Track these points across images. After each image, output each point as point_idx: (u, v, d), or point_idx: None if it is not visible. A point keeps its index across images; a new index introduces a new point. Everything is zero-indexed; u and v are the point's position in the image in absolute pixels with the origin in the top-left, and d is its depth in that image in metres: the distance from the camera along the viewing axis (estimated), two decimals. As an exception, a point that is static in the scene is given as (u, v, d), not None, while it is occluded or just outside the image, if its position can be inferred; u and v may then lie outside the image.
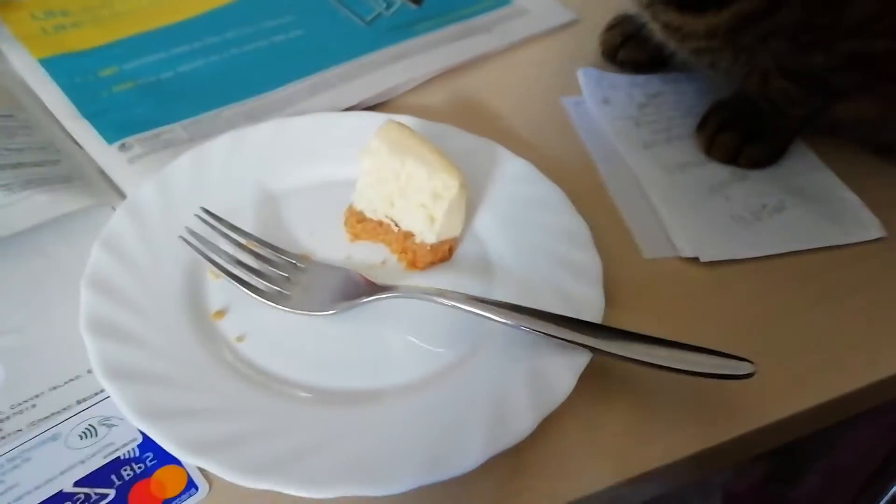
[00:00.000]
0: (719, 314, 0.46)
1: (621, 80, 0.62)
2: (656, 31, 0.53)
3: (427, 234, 0.43)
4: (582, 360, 0.39)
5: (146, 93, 0.54)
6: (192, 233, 0.42)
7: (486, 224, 0.47)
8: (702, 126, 0.57)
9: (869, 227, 0.52)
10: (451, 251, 0.45)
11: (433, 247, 0.44)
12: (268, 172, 0.48)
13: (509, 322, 0.39)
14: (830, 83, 0.51)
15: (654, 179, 0.54)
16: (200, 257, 0.42)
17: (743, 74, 0.55)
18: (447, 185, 0.42)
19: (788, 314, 0.46)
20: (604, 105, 0.59)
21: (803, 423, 0.42)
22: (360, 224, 0.45)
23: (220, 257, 0.42)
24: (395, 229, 0.45)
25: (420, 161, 0.42)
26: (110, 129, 0.51)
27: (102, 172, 0.49)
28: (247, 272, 0.42)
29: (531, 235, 0.46)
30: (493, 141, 0.52)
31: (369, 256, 0.45)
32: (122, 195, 0.47)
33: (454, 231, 0.44)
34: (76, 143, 0.50)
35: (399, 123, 0.44)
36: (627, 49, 0.63)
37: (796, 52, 0.50)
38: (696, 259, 0.48)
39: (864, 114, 0.55)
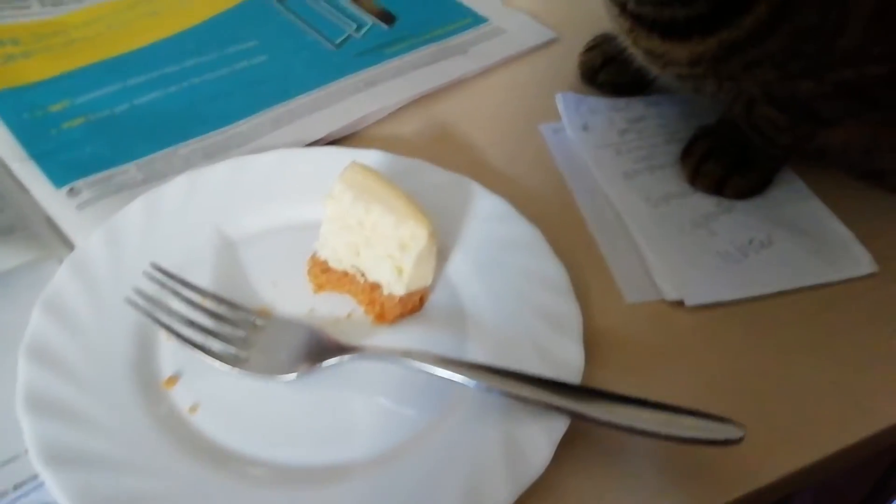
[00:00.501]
0: (706, 364, 0.43)
1: (601, 103, 0.60)
2: (638, 56, 0.51)
3: (395, 286, 0.41)
4: (560, 425, 0.36)
5: (99, 129, 0.51)
6: (142, 293, 0.39)
7: (460, 269, 0.45)
8: (686, 154, 0.54)
9: (860, 261, 0.49)
10: (421, 301, 0.43)
11: (402, 299, 0.41)
12: (226, 217, 0.45)
13: (482, 386, 0.36)
14: (819, 111, 0.49)
15: (637, 213, 0.51)
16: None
17: (728, 101, 0.53)
18: (415, 235, 0.39)
19: (779, 362, 0.44)
20: (583, 132, 0.57)
21: (796, 482, 0.40)
22: (324, 274, 0.43)
23: (172, 319, 0.39)
24: (362, 280, 0.42)
25: (386, 208, 0.40)
26: (59, 172, 0.47)
27: (50, 220, 0.45)
28: (201, 333, 0.39)
29: (507, 282, 0.43)
30: (467, 176, 0.49)
31: (334, 309, 0.42)
32: (70, 246, 0.44)
33: (424, 281, 0.42)
34: (23, 187, 0.47)
35: (364, 166, 0.41)
36: (608, 71, 0.60)
37: (784, 80, 0.47)
38: (681, 302, 0.46)
39: (853, 140, 0.52)
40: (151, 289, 0.40)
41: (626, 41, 0.50)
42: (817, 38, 0.43)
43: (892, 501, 0.71)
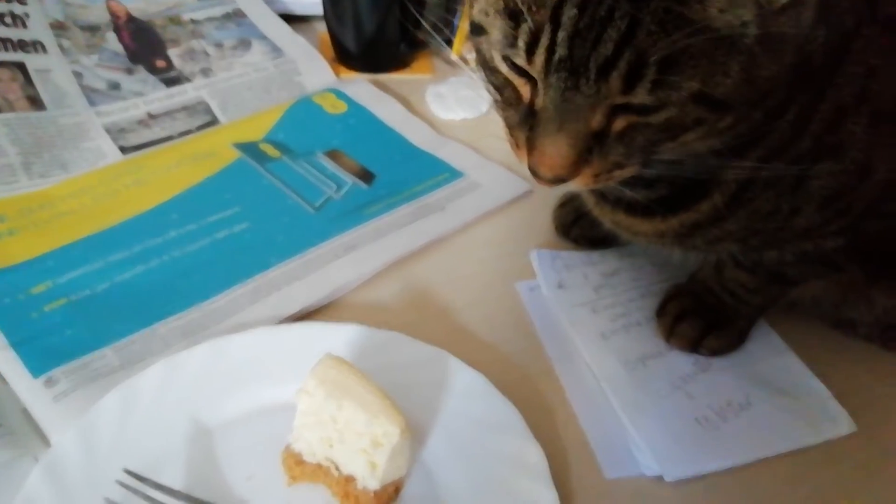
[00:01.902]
0: (689, 546, 0.42)
1: (576, 258, 0.61)
2: (606, 224, 0.52)
3: (369, 480, 0.40)
4: None
5: (79, 310, 0.51)
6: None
7: (436, 452, 0.44)
8: (661, 313, 0.55)
9: (839, 421, 0.50)
10: (396, 491, 0.42)
11: (377, 492, 0.41)
12: (202, 404, 0.45)
13: None
14: (785, 274, 0.50)
15: (615, 378, 0.51)
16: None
17: (698, 262, 0.54)
18: (387, 432, 0.39)
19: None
20: (559, 290, 0.58)
21: None
22: (298, 466, 0.42)
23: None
24: (336, 473, 0.42)
25: (359, 405, 0.40)
26: (37, 360, 0.48)
27: (26, 412, 0.45)
28: (173, 541, 0.38)
29: (484, 467, 0.43)
30: (444, 348, 0.50)
31: (309, 502, 0.42)
32: (46, 441, 0.44)
33: (398, 473, 0.42)
34: (0, 377, 0.47)
35: (337, 359, 0.42)
36: (581, 226, 0.62)
37: (747, 251, 0.48)
38: (661, 476, 0.45)
39: (821, 295, 0.54)
40: (124, 496, 0.40)
41: (593, 211, 0.52)
42: (773, 221, 0.45)
43: None
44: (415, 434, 0.44)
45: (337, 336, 0.49)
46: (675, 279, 0.58)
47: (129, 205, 0.61)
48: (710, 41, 0.33)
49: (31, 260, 0.55)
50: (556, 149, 0.37)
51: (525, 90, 0.38)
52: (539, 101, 0.37)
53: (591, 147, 0.37)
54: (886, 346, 0.55)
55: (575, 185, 0.39)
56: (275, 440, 0.44)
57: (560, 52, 0.34)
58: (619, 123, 0.36)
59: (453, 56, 0.81)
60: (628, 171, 0.39)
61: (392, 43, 0.79)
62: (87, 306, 0.52)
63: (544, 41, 0.34)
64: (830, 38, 0.39)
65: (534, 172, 0.38)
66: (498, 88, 0.39)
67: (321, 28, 0.83)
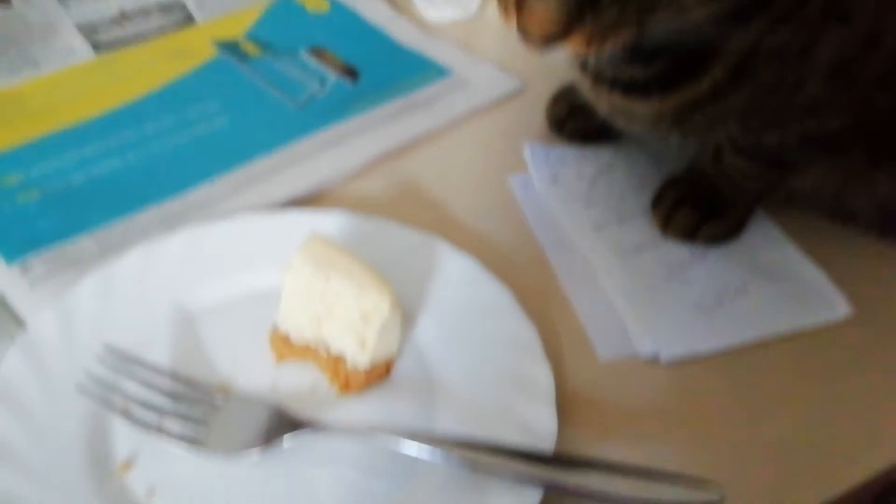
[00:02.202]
0: (684, 422, 0.42)
1: (569, 153, 0.59)
2: (602, 110, 0.50)
3: (359, 358, 0.39)
4: (534, 496, 0.35)
5: (54, 202, 0.49)
6: (94, 377, 0.38)
7: (427, 334, 0.43)
8: (656, 203, 0.54)
9: (836, 305, 0.49)
10: (388, 369, 0.41)
11: (367, 370, 0.40)
12: (184, 289, 0.44)
13: (450, 460, 0.35)
14: (786, 159, 0.49)
15: (609, 266, 0.50)
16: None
17: (695, 150, 0.53)
18: (377, 305, 0.38)
19: (758, 415, 0.42)
20: (552, 184, 0.56)
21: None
22: (286, 346, 0.41)
23: (126, 401, 0.37)
24: (325, 351, 0.41)
25: (347, 279, 0.38)
26: (12, 247, 0.46)
27: (1, 298, 0.44)
28: (157, 414, 0.37)
29: (476, 346, 0.42)
30: (435, 236, 0.48)
31: (297, 381, 0.41)
32: (22, 325, 0.42)
33: (389, 350, 0.41)
34: (-27, 265, 0.45)
35: (323, 238, 0.40)
36: (575, 121, 0.60)
37: (747, 133, 0.47)
38: (656, 357, 0.45)
39: (822, 184, 0.52)
40: (105, 371, 0.38)
41: (588, 95, 0.50)
42: (777, 95, 0.43)
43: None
44: (406, 318, 0.43)
45: (323, 223, 0.48)
46: (671, 173, 0.56)
47: (103, 100, 0.58)
48: None
49: (1, 152, 0.53)
50: (546, 5, 0.35)
51: None
52: None
53: (582, 6, 0.35)
54: (885, 235, 0.54)
55: (567, 52, 0.37)
56: (261, 323, 0.42)
57: None
58: None
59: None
60: (623, 36, 0.37)
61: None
62: (63, 198, 0.50)
63: None
64: None
65: (523, 34, 0.37)
66: None
67: (302, -74, 0.79)
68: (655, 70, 0.44)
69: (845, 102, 0.44)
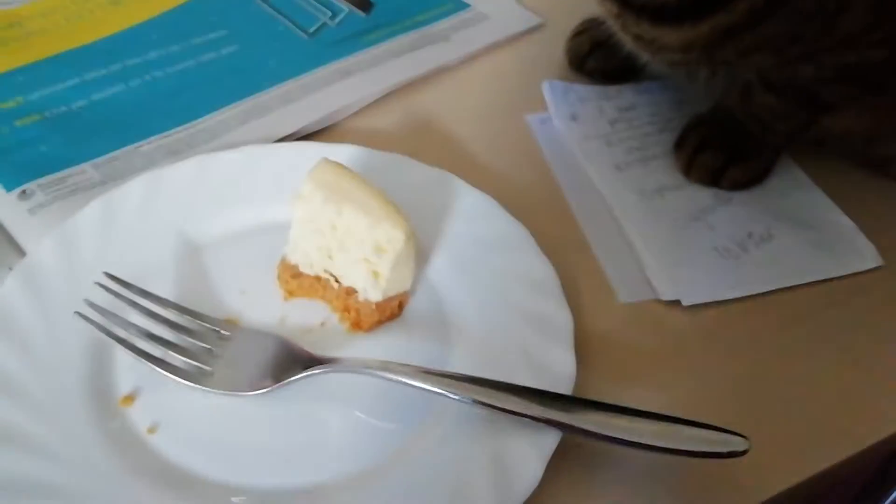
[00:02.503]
0: (705, 369, 0.41)
1: (590, 91, 0.57)
2: (627, 42, 0.48)
3: (371, 292, 0.38)
4: (551, 439, 0.34)
5: (54, 127, 0.47)
6: (94, 305, 0.36)
7: (442, 271, 0.42)
8: (680, 144, 0.52)
9: (865, 255, 0.47)
10: (400, 307, 0.40)
11: (379, 305, 0.38)
12: (190, 220, 0.42)
13: (465, 399, 0.33)
14: (819, 96, 0.46)
15: (630, 208, 0.48)
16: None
17: (723, 88, 0.50)
18: (392, 237, 0.36)
19: (782, 364, 0.41)
20: (572, 122, 0.54)
21: (804, 493, 0.37)
22: (294, 279, 0.40)
23: (128, 332, 0.36)
24: (336, 285, 0.39)
25: (360, 209, 0.37)
26: (10, 173, 0.44)
27: (0, 227, 0.42)
28: (160, 347, 0.36)
29: (492, 284, 0.40)
30: (449, 172, 0.46)
31: (306, 317, 0.39)
32: (21, 253, 0.41)
33: (403, 286, 0.39)
34: (-30, 190, 0.44)
35: (335, 163, 0.38)
36: (596, 58, 0.57)
37: (782, 65, 0.44)
38: (677, 302, 0.43)
39: (855, 128, 0.50)
40: (106, 300, 0.37)
41: (614, 26, 0.47)
42: (817, 21, 0.40)
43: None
44: (419, 254, 0.41)
45: (334, 155, 0.45)
46: (695, 113, 0.54)
47: (104, 24, 0.56)
48: None
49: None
50: None
51: None
52: None
53: None
54: (918, 184, 0.52)
55: None
56: (269, 255, 0.41)
57: None
58: None
59: None
60: None
61: None
62: (63, 123, 0.48)
63: None
64: None
65: None
66: None
67: None
68: None
69: (888, 33, 0.41)
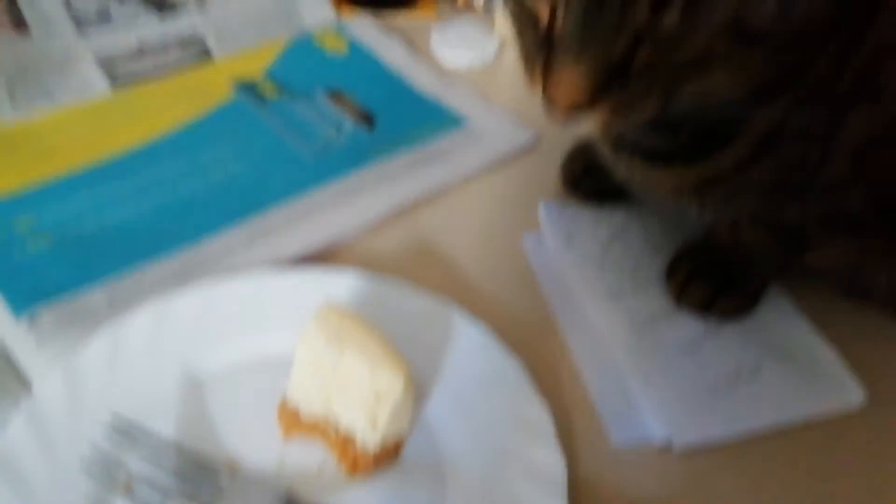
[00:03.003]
0: (697, 514, 0.41)
1: (584, 213, 0.58)
2: (620, 176, 0.50)
3: (369, 437, 0.39)
4: None
5: (65, 249, 0.49)
6: (99, 450, 0.37)
7: (439, 410, 0.43)
8: (671, 273, 0.53)
9: (851, 392, 0.48)
10: (397, 450, 0.40)
11: (376, 455, 0.39)
12: (194, 352, 0.43)
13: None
14: (804, 235, 0.48)
15: (623, 339, 0.49)
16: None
17: (713, 220, 0.52)
18: (391, 385, 0.37)
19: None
20: (566, 246, 0.56)
21: None
22: (294, 419, 0.41)
23: (130, 479, 0.36)
24: (334, 428, 0.40)
25: (360, 355, 0.38)
26: (20, 298, 0.45)
27: (7, 353, 0.43)
28: (161, 496, 0.36)
29: (488, 426, 0.41)
30: (447, 301, 0.48)
31: (305, 459, 0.40)
32: (28, 384, 0.42)
33: (400, 430, 0.40)
34: (-20, 315, 0.45)
35: (338, 307, 0.40)
36: (590, 180, 0.59)
37: (767, 208, 0.46)
38: (669, 443, 0.44)
39: (839, 261, 0.51)
40: (109, 445, 0.38)
41: (608, 160, 0.50)
42: (800, 172, 0.42)
43: None
44: (416, 388, 0.42)
45: (336, 282, 0.47)
46: (687, 237, 0.55)
47: (119, 140, 0.58)
48: None
49: (15, 193, 0.52)
50: (574, 75, 0.34)
51: (544, 13, 0.35)
52: (559, 24, 0.34)
53: (610, 78, 0.34)
54: (901, 315, 0.53)
55: (591, 121, 0.37)
56: (271, 392, 0.42)
57: None
58: (642, 55, 0.34)
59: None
60: (648, 109, 0.37)
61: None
62: (74, 244, 0.49)
63: None
64: None
65: (548, 103, 0.36)
66: (515, 13, 0.37)
67: (323, -39, 0.78)
68: (679, 141, 0.43)
69: (869, 183, 0.43)
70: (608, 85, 0.34)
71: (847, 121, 0.40)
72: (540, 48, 0.36)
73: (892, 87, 0.39)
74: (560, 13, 0.34)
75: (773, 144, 0.41)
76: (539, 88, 0.37)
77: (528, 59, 0.37)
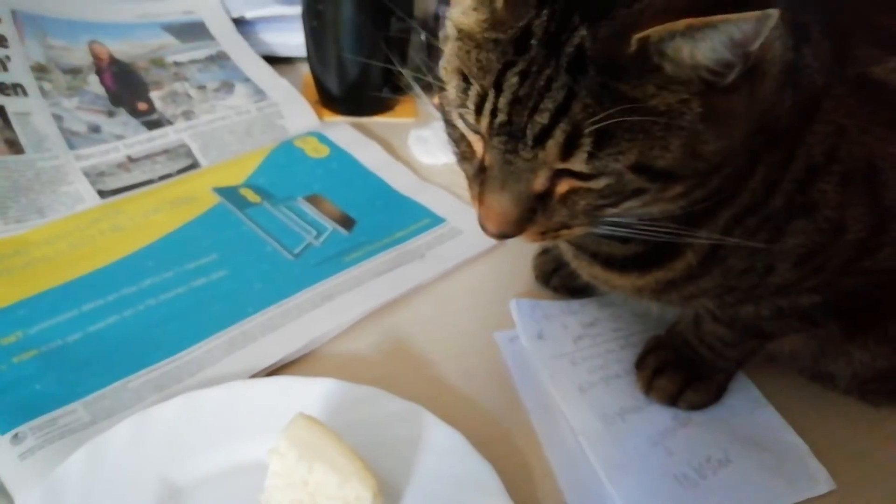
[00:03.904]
0: None
1: (555, 307, 0.61)
2: (584, 276, 0.52)
3: (341, 547, 0.40)
4: None
5: (49, 363, 0.50)
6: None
7: (411, 513, 0.44)
8: (640, 366, 0.55)
9: (818, 479, 0.49)
10: (370, 556, 0.41)
11: (349, 560, 0.40)
12: (172, 462, 0.44)
13: None
14: (762, 328, 0.50)
15: (593, 434, 0.51)
16: None
17: (676, 316, 0.54)
18: (360, 495, 0.39)
19: None
20: (538, 340, 0.57)
21: None
22: (269, 529, 0.41)
23: None
24: (308, 538, 0.41)
25: (330, 468, 0.39)
26: (4, 415, 0.47)
27: (-10, 470, 0.44)
28: None
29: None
30: (421, 403, 0.49)
31: (280, 568, 0.41)
32: (11, 501, 0.43)
33: (372, 538, 0.41)
34: (-35, 434, 0.46)
35: (309, 418, 0.41)
36: (560, 275, 0.62)
37: (724, 307, 0.48)
38: (639, 539, 0.45)
39: (801, 348, 0.53)
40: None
41: (572, 264, 0.52)
42: (748, 278, 0.45)
43: None
44: (388, 493, 0.44)
45: (311, 391, 0.49)
46: (654, 329, 0.58)
47: (105, 251, 0.60)
48: (647, 117, 0.33)
49: (2, 309, 0.54)
50: (500, 206, 0.37)
51: (478, 146, 0.39)
52: (486, 159, 0.37)
53: (534, 207, 0.37)
54: (865, 399, 0.55)
55: (523, 241, 0.40)
56: (245, 500, 0.43)
57: (501, 116, 0.35)
58: (562, 187, 0.37)
59: (433, 101, 0.81)
60: (577, 231, 0.40)
61: (375, 86, 0.80)
62: (58, 358, 0.51)
63: (488, 105, 0.35)
64: (799, 99, 0.39)
65: (482, 226, 0.39)
66: (455, 141, 0.40)
67: (305, 70, 0.83)
68: (632, 250, 0.46)
69: (814, 285, 0.45)
70: (532, 213, 0.38)
71: (786, 233, 0.42)
72: (476, 176, 0.39)
73: (823, 203, 0.41)
74: (487, 149, 0.37)
75: (720, 255, 0.44)
76: (476, 212, 0.40)
77: (469, 183, 0.40)
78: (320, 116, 0.80)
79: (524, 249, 0.65)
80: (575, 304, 0.61)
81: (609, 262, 0.47)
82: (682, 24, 0.32)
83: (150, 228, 0.63)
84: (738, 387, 0.55)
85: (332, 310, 0.57)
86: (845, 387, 0.55)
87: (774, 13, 0.31)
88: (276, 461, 0.40)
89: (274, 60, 0.85)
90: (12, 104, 0.69)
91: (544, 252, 0.63)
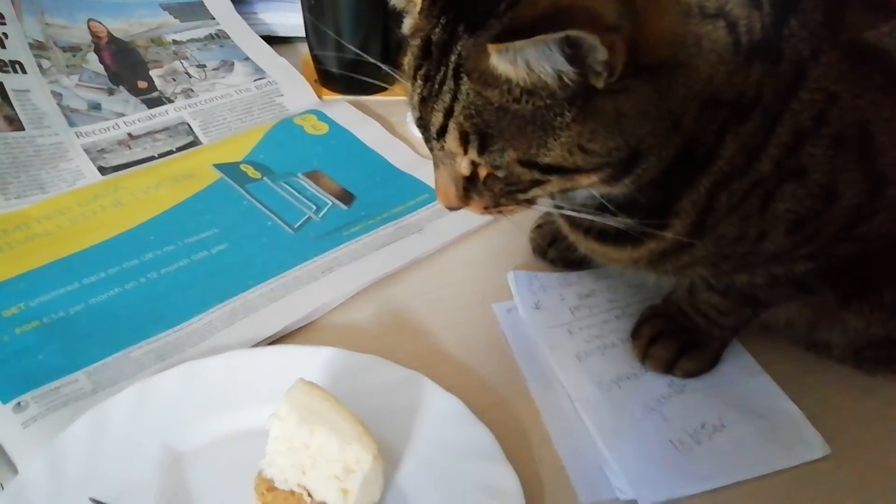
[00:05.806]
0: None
1: (552, 279, 0.61)
2: (581, 249, 0.52)
3: (342, 507, 0.40)
4: None
5: (52, 333, 0.51)
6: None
7: (410, 477, 0.44)
8: (636, 335, 0.56)
9: (813, 444, 0.50)
10: (370, 518, 0.42)
11: (349, 522, 0.40)
12: (174, 430, 0.45)
13: None
14: (757, 297, 0.51)
15: (589, 401, 0.51)
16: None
17: (672, 285, 0.55)
18: (360, 458, 0.39)
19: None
20: (535, 311, 0.58)
21: None
22: (270, 493, 0.42)
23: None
24: (308, 500, 0.41)
25: (331, 431, 0.40)
26: (7, 384, 0.47)
27: (-5, 438, 0.45)
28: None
29: (458, 493, 0.43)
30: (420, 371, 0.50)
31: (281, 531, 0.42)
32: (13, 468, 0.43)
33: (371, 500, 0.42)
34: (-31, 402, 0.47)
35: (309, 383, 0.42)
36: (557, 248, 0.62)
37: (719, 275, 0.49)
38: (635, 501, 0.45)
39: (795, 317, 0.54)
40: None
41: (569, 237, 0.52)
42: (741, 245, 0.45)
43: None
44: (389, 458, 0.44)
45: (312, 359, 0.49)
46: (650, 300, 0.58)
47: (106, 226, 0.60)
48: (516, 120, 0.37)
49: (3, 282, 0.55)
50: (442, 185, 0.43)
51: None
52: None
53: (468, 187, 0.42)
54: (859, 367, 0.55)
55: (471, 212, 0.44)
56: (247, 466, 0.43)
57: (415, 112, 0.41)
58: (482, 171, 0.41)
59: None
60: (515, 209, 0.44)
61: (374, 65, 0.79)
62: (60, 329, 0.52)
63: (412, 102, 0.41)
64: (780, 70, 0.39)
65: (437, 197, 0.44)
66: (420, 127, 0.44)
67: (304, 50, 0.83)
68: (623, 222, 0.46)
69: (809, 252, 0.46)
70: (467, 192, 0.42)
71: (776, 198, 0.42)
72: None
73: (814, 168, 0.41)
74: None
75: (709, 222, 0.44)
76: None
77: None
78: (319, 95, 0.80)
79: (521, 224, 0.65)
80: (572, 276, 0.61)
81: (604, 236, 0.48)
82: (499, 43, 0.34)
83: (151, 204, 0.63)
84: (733, 355, 0.56)
85: (331, 281, 0.58)
86: (840, 355, 0.55)
87: (579, 34, 0.32)
88: (276, 425, 0.41)
89: (273, 41, 0.85)
90: (11, 81, 0.69)
91: (541, 225, 0.64)
